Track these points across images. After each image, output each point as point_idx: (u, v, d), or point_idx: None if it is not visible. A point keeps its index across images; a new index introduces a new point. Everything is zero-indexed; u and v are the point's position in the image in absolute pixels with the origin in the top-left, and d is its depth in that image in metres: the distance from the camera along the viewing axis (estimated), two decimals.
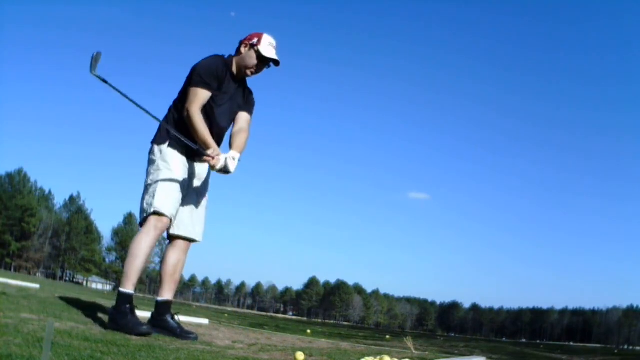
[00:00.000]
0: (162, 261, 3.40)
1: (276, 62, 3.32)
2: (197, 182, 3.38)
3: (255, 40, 3.28)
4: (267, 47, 3.28)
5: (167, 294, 3.34)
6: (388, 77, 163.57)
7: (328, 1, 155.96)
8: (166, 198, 3.14)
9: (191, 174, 3.34)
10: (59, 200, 77.47)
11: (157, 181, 3.17)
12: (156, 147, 3.25)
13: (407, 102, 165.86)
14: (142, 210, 3.19)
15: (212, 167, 3.14)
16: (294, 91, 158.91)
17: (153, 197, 3.14)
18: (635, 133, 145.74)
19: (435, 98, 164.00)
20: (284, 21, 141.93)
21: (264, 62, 3.30)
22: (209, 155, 3.09)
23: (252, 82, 3.50)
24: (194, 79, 3.19)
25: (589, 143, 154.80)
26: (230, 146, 3.27)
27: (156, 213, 3.11)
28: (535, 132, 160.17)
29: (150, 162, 3.27)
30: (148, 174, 3.25)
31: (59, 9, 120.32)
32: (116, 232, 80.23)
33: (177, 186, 3.20)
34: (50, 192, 74.43)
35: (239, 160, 3.19)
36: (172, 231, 3.31)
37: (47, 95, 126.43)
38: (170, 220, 3.18)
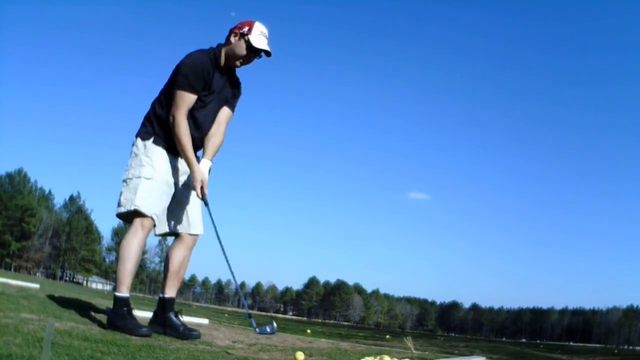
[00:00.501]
0: (166, 258, 3.35)
1: (267, 53, 3.19)
2: (184, 178, 3.32)
3: (245, 29, 3.14)
4: (258, 36, 3.14)
5: (170, 291, 3.30)
6: (388, 77, 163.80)
7: (328, 1, 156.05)
8: (148, 196, 3.09)
9: (177, 170, 3.27)
10: (59, 200, 77.72)
11: (139, 177, 3.11)
12: (140, 142, 3.19)
13: (407, 102, 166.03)
14: (120, 204, 3.13)
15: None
16: (293, 91, 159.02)
17: (134, 193, 3.08)
18: (635, 133, 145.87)
19: (435, 98, 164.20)
20: (284, 21, 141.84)
21: (254, 52, 3.17)
22: (205, 200, 3.16)
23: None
24: (180, 81, 3.08)
25: (589, 143, 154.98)
26: (204, 149, 3.26)
27: (137, 212, 3.07)
28: (536, 132, 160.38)
29: (133, 155, 3.21)
30: (129, 167, 3.19)
31: (60, 9, 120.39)
32: (116, 232, 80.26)
33: (159, 184, 3.14)
34: (50, 192, 74.65)
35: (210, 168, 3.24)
36: (171, 229, 3.28)
37: (47, 95, 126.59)
38: (153, 218, 3.13)
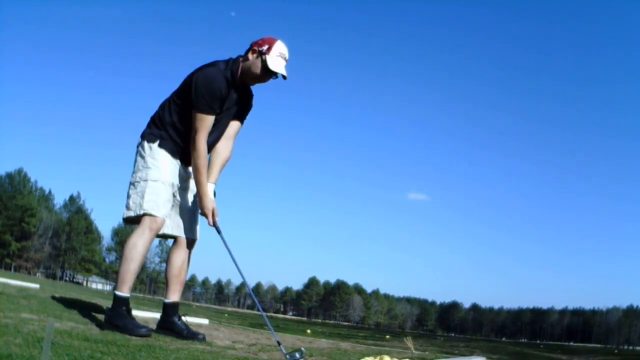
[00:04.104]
0: (166, 263, 3.37)
1: (283, 76, 3.12)
2: (186, 183, 3.32)
3: (264, 48, 3.06)
4: (276, 58, 3.06)
5: (173, 295, 3.31)
6: (388, 77, 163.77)
7: (328, 1, 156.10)
8: (156, 199, 3.09)
9: (180, 175, 3.28)
10: (59, 200, 77.63)
11: (146, 180, 3.12)
12: (146, 144, 3.19)
13: (407, 102, 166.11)
14: (128, 207, 3.13)
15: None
16: (294, 91, 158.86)
17: (142, 197, 3.08)
18: (635, 133, 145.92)
19: (435, 98, 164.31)
20: (284, 21, 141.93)
21: (269, 73, 3.10)
22: (217, 227, 3.15)
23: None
24: (200, 103, 3.04)
25: (589, 143, 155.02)
26: (210, 167, 3.22)
27: (147, 214, 3.07)
28: (535, 132, 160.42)
29: (140, 157, 3.21)
30: (136, 170, 3.19)
31: (60, 10, 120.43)
32: (116, 232, 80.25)
33: (166, 186, 3.15)
34: (50, 192, 74.61)
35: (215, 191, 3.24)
36: (170, 232, 3.28)
37: (47, 95, 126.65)
38: (163, 220, 3.15)
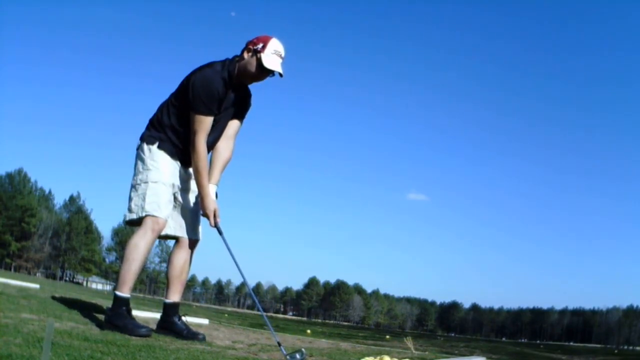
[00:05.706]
0: (168, 263, 3.37)
1: (280, 73, 3.11)
2: (186, 184, 3.32)
3: (259, 46, 3.06)
4: (271, 56, 3.05)
5: (174, 295, 3.31)
6: (388, 77, 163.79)
7: (328, 1, 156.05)
8: (157, 200, 3.09)
9: (180, 176, 3.28)
10: (59, 200, 77.58)
11: (146, 182, 3.12)
12: (145, 146, 3.19)
13: (406, 103, 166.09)
14: (130, 209, 3.14)
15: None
16: (293, 91, 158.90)
17: (143, 199, 3.09)
18: (635, 133, 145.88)
19: (434, 99, 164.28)
20: (283, 21, 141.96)
21: (265, 72, 3.09)
22: (219, 228, 3.14)
23: None
24: (198, 105, 3.04)
25: (588, 143, 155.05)
26: (211, 167, 3.21)
27: (149, 216, 3.07)
28: (535, 133, 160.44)
29: (139, 159, 3.21)
30: (137, 172, 3.19)
31: (60, 10, 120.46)
32: (116, 232, 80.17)
33: (167, 188, 3.15)
34: (50, 192, 74.58)
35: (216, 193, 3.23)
36: (172, 232, 3.28)
37: (47, 95, 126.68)
38: (165, 220, 3.15)
